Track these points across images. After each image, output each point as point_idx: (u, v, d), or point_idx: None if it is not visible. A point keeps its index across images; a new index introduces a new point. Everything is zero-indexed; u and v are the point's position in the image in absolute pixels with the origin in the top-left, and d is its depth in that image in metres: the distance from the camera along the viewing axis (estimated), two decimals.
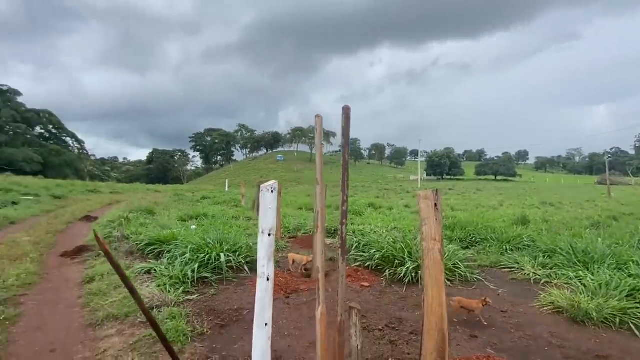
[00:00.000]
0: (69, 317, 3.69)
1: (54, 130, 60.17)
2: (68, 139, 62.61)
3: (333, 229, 8.11)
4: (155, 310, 3.56)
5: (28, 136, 52.24)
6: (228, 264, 4.89)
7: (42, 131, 58.29)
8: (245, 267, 5.07)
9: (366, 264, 5.47)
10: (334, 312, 3.63)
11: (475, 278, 5.08)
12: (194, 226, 7.84)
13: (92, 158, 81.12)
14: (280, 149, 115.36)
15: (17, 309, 3.84)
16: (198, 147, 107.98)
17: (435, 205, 2.18)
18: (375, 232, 7.92)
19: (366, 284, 4.78)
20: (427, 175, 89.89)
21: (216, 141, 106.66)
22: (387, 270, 5.02)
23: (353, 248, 6.10)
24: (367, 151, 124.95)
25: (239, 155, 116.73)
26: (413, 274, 4.81)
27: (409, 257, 5.05)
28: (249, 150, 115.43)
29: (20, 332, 3.35)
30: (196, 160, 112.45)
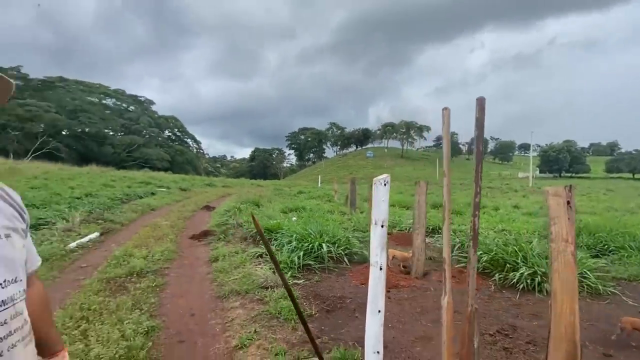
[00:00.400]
0: (202, 288, 4.38)
1: (178, 133, 71.07)
2: (188, 140, 73.30)
3: (431, 227, 7.80)
4: (269, 289, 3.99)
5: (159, 138, 62.68)
6: (329, 254, 5.15)
7: (170, 134, 69.32)
8: (345, 259, 5.27)
9: None
10: (435, 309, 3.55)
11: (609, 291, 4.34)
12: (294, 217, 8.45)
13: (206, 156, 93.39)
14: (370, 145, 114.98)
15: (164, 278, 4.70)
16: (293, 145, 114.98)
17: (568, 202, 1.96)
18: (479, 233, 7.35)
19: None
20: (540, 172, 78.66)
21: (309, 139, 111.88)
22: (497, 275, 4.64)
23: (455, 249, 5.79)
24: (466, 145, 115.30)
25: (329, 152, 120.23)
26: (528, 281, 4.36)
27: (524, 262, 4.58)
28: (339, 147, 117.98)
29: (167, 297, 4.11)
30: (291, 158, 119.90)
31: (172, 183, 21.77)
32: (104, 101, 58.14)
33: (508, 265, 4.68)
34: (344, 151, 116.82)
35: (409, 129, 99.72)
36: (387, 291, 4.23)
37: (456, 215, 11.58)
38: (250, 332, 3.07)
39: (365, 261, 5.44)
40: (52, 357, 1.03)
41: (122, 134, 55.79)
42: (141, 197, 13.95)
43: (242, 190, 21.48)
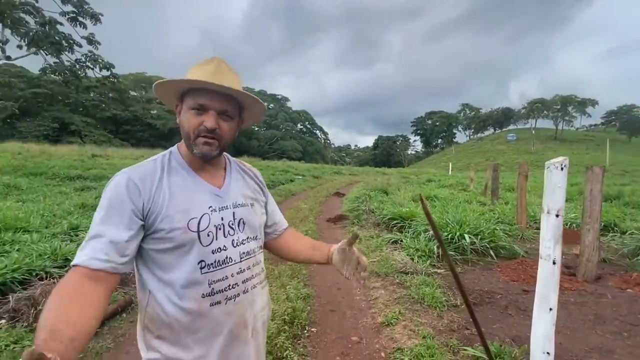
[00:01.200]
0: None
1: (308, 126, 77.15)
2: (317, 131, 78.83)
3: (603, 223, 6.39)
4: (409, 275, 4.04)
5: (293, 131, 69.28)
6: (472, 246, 4.83)
7: (301, 127, 75.84)
8: (490, 252, 4.85)
9: None
10: (609, 319, 2.95)
11: None
12: None
13: (332, 146, 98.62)
14: (511, 126, 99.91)
15: None
16: (418, 131, 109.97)
17: None
18: None
19: None
20: None
21: (437, 124, 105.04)
22: None
23: None
24: None
25: (461, 136, 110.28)
26: None
27: None
28: (472, 130, 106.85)
29: (315, 271, 4.60)
30: (416, 145, 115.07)
31: (305, 171, 23.91)
32: None
33: None
34: (479, 135, 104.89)
35: (566, 105, 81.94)
36: None
37: (638, 209, 9.17)
38: (394, 312, 3.19)
39: (515, 256, 4.90)
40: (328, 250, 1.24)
41: (264, 129, 63.99)
42: (283, 184, 15.83)
43: (368, 178, 21.89)
